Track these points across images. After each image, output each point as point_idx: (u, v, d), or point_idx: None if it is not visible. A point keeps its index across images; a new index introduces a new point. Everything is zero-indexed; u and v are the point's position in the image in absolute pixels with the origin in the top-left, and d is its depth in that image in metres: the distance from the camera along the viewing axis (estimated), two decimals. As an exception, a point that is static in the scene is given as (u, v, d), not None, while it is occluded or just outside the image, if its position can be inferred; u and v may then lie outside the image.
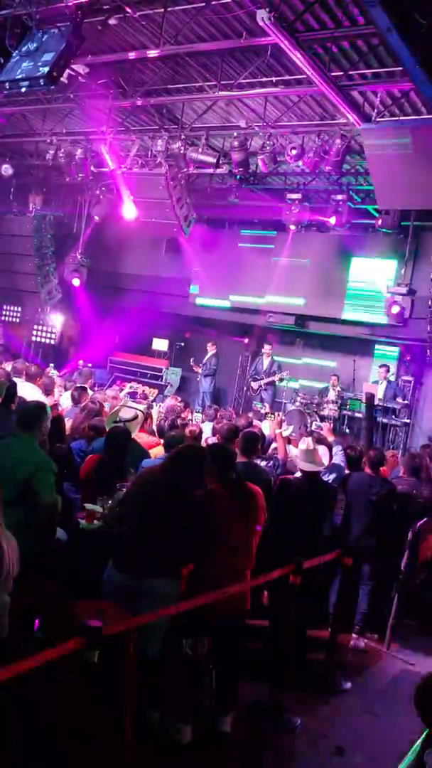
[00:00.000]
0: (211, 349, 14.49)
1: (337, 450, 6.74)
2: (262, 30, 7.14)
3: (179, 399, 10.88)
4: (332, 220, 11.79)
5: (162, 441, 6.23)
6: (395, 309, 11.81)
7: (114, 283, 16.26)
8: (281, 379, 13.39)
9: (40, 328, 15.97)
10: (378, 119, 8.46)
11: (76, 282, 15.03)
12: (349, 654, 5.84)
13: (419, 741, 2.31)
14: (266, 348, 13.78)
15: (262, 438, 6.21)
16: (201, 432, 7.01)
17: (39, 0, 6.98)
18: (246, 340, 15.56)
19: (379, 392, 12.13)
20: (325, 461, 5.72)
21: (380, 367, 12.48)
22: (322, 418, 12.12)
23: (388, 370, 12.39)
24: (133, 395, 10.00)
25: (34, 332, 15.97)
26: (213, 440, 6.72)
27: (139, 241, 15.32)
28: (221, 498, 4.15)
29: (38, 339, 15.96)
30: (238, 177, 11.77)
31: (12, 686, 3.72)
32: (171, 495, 3.95)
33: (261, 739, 4.31)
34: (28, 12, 7.05)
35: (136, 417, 6.32)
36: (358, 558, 5.65)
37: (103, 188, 14.33)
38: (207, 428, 8.00)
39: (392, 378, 12.55)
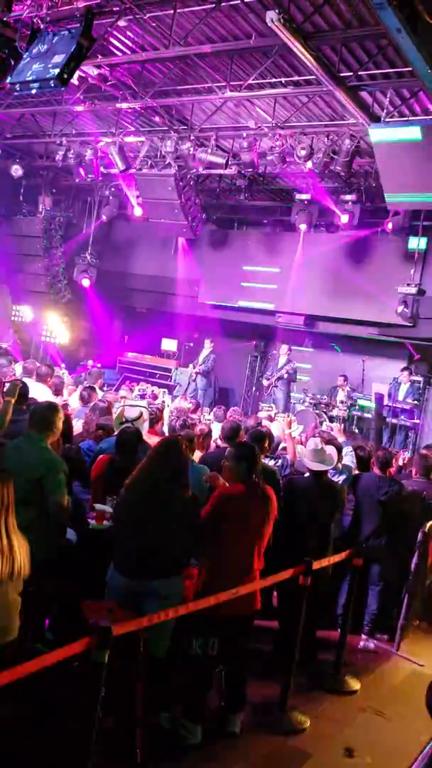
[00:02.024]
0: (208, 347, 14.26)
1: (347, 450, 6.73)
2: (271, 31, 7.15)
3: (188, 399, 10.91)
4: (344, 219, 11.75)
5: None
6: (405, 309, 11.79)
7: (123, 283, 16.30)
8: (290, 375, 13.31)
9: (49, 328, 16.03)
10: (387, 119, 8.45)
11: (86, 282, 15.07)
12: (358, 655, 5.84)
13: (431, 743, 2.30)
14: (283, 348, 13.67)
15: (270, 438, 6.21)
16: (210, 431, 7.02)
17: (49, 2, 7.02)
18: (254, 342, 15.54)
19: (401, 394, 12.11)
20: (334, 462, 5.71)
21: (402, 369, 12.44)
22: (332, 419, 12.11)
23: (411, 373, 12.36)
24: (142, 396, 10.03)
25: (44, 332, 16.03)
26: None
27: (149, 241, 15.37)
28: (241, 498, 4.16)
29: (48, 339, 16.01)
30: (247, 178, 11.80)
31: (22, 686, 3.74)
32: (155, 492, 3.96)
33: (270, 740, 4.31)
34: (39, 14, 7.08)
35: (141, 415, 6.35)
36: (368, 559, 5.65)
37: (113, 189, 14.39)
38: (216, 429, 8.00)
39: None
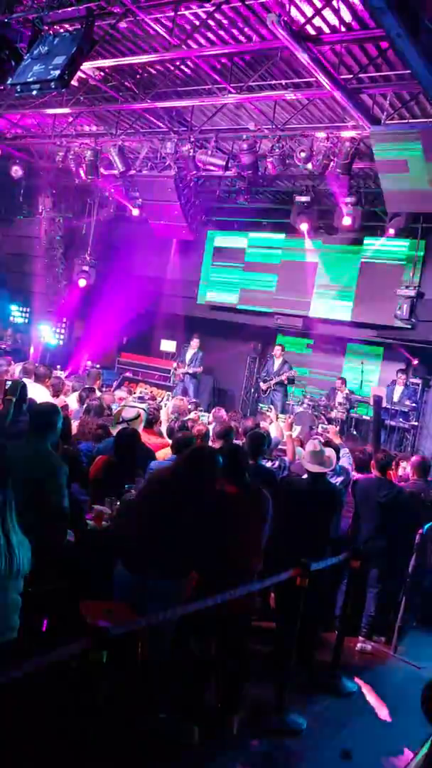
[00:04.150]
0: (195, 346, 14.12)
1: (344, 452, 6.74)
2: (272, 33, 7.16)
3: (182, 398, 10.91)
4: (347, 221, 11.72)
5: (170, 442, 6.25)
6: (403, 311, 11.81)
7: (122, 284, 16.30)
8: (290, 380, 13.34)
9: (48, 328, 16.04)
10: (387, 122, 8.47)
11: (82, 283, 15.12)
12: (355, 657, 5.85)
13: (427, 745, 2.31)
14: (277, 350, 13.72)
15: (268, 439, 6.22)
16: (208, 432, 7.03)
17: (51, 3, 7.03)
18: (252, 344, 15.53)
19: (396, 396, 12.11)
20: (333, 464, 5.72)
21: (399, 371, 12.46)
22: (330, 421, 12.12)
23: (405, 374, 12.37)
24: (141, 398, 10.04)
25: (42, 333, 16.04)
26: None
27: (148, 242, 15.38)
28: (237, 499, 4.17)
29: (46, 340, 16.03)
30: (247, 179, 11.81)
31: (21, 686, 3.75)
32: (181, 497, 3.97)
33: (267, 741, 4.32)
34: (40, 15, 7.09)
35: (138, 416, 6.37)
36: (366, 561, 5.65)
37: (112, 190, 14.41)
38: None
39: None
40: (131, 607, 3.85)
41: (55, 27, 7.15)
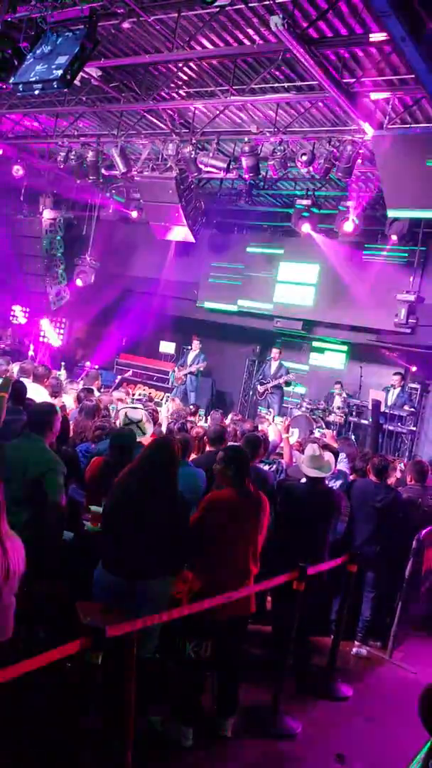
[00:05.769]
0: (196, 347, 14.21)
1: (342, 457, 6.73)
2: (275, 36, 7.16)
3: (174, 399, 10.91)
4: (348, 226, 11.68)
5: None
6: (403, 316, 11.81)
7: (122, 285, 16.30)
8: (287, 383, 13.35)
9: (48, 329, 16.04)
10: (389, 126, 8.47)
11: (79, 283, 15.14)
12: (351, 661, 5.84)
13: (423, 751, 2.29)
14: (274, 352, 13.74)
15: (265, 442, 6.20)
16: (206, 434, 7.01)
17: (54, 3, 7.02)
18: (251, 348, 15.53)
19: (390, 399, 12.10)
20: (333, 468, 5.71)
21: (395, 374, 12.44)
22: (328, 424, 12.10)
23: (402, 378, 12.34)
24: (139, 400, 10.03)
25: (42, 333, 16.04)
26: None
27: (148, 244, 15.38)
28: (235, 502, 4.15)
29: (46, 340, 16.03)
30: (248, 182, 11.80)
31: (15, 687, 3.73)
32: (144, 492, 3.94)
33: (261, 744, 4.30)
34: (43, 15, 7.09)
35: (143, 417, 6.34)
36: (362, 565, 5.64)
37: (113, 191, 14.40)
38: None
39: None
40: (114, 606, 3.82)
41: (58, 27, 7.15)
